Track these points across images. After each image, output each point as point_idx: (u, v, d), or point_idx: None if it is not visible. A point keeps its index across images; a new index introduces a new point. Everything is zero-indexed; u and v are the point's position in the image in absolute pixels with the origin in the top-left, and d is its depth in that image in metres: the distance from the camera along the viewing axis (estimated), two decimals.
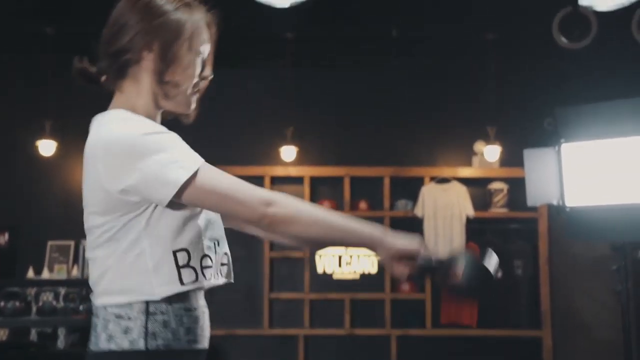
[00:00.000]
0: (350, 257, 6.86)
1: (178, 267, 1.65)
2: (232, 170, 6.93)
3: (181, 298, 1.67)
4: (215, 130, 6.80)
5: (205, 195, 1.64)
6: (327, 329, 6.75)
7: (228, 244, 1.79)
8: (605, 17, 4.74)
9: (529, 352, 6.72)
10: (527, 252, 6.84)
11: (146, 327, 1.63)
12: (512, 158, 6.72)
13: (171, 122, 1.82)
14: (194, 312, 1.69)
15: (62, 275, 6.76)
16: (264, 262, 6.81)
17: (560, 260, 6.78)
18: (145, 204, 1.65)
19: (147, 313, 1.64)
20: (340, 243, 1.80)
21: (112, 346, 1.64)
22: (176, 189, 1.61)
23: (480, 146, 6.74)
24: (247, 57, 6.88)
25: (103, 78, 1.79)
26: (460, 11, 5.73)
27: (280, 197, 1.69)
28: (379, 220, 6.84)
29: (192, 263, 1.67)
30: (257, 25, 6.06)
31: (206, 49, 1.78)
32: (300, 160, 6.83)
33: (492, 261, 1.78)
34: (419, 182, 6.82)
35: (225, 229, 1.82)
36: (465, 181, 6.78)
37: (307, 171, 6.87)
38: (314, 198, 6.92)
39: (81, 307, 6.31)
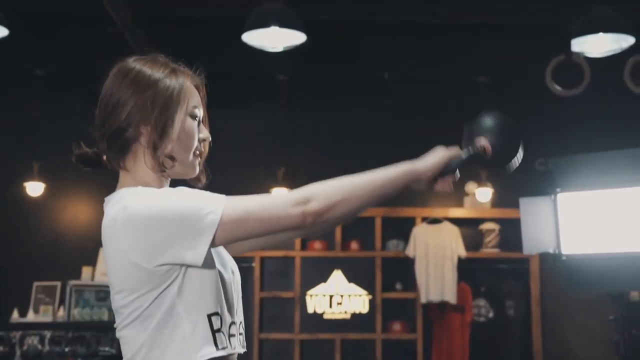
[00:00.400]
0: (341, 297, 6.83)
1: (213, 331, 1.61)
2: None
3: None
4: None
5: (241, 226, 1.60)
6: None
7: None
8: (598, 65, 4.77)
9: None
10: (519, 293, 6.85)
11: None
12: (503, 199, 6.75)
13: None
14: None
15: (48, 317, 6.66)
16: (254, 302, 6.76)
17: (552, 301, 6.78)
18: (177, 271, 1.60)
19: None
20: (382, 197, 1.73)
21: None
22: (211, 237, 1.57)
23: (471, 187, 6.76)
24: (240, 98, 6.89)
25: (104, 158, 1.75)
26: (452, 54, 5.77)
27: (308, 190, 1.64)
28: (371, 260, 6.83)
29: (223, 328, 1.64)
30: (250, 67, 6.06)
31: (200, 111, 1.75)
32: None
33: (504, 122, 1.77)
34: (410, 223, 6.82)
35: None
36: (456, 222, 6.79)
37: None
38: (305, 238, 6.90)
39: (67, 350, 6.22)
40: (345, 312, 6.83)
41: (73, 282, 6.69)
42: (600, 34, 4.53)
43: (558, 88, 4.79)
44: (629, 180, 4.19)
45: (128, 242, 1.59)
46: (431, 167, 1.75)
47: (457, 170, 1.76)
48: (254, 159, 7.00)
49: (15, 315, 6.53)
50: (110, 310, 6.65)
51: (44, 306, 6.75)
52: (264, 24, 4.44)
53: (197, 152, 1.75)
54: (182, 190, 1.64)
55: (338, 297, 6.84)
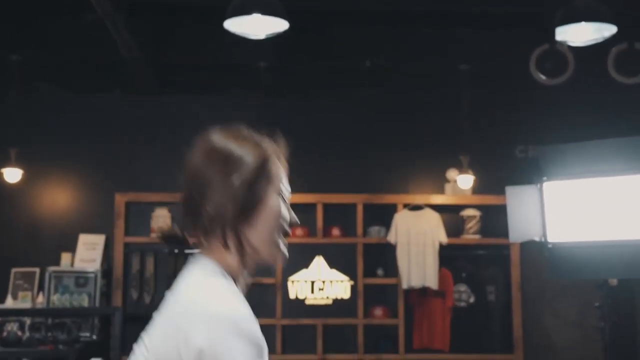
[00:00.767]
0: (323, 282, 6.84)
1: None
2: None
3: None
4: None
5: None
6: (299, 355, 6.73)
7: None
8: (582, 55, 4.79)
9: None
10: (500, 278, 6.92)
11: None
12: (485, 186, 6.79)
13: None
14: None
15: (27, 303, 6.61)
16: None
17: (532, 286, 6.85)
18: None
19: None
20: None
21: None
22: None
23: (453, 174, 6.78)
24: (222, 86, 6.84)
25: (190, 237, 1.68)
26: (435, 42, 5.75)
27: None
28: (352, 246, 6.84)
29: None
30: (232, 55, 6.00)
31: (288, 190, 1.70)
32: None
33: None
34: (392, 209, 6.84)
35: None
36: (438, 208, 6.82)
37: None
38: None
39: (47, 336, 6.18)
40: (327, 298, 6.84)
41: (52, 268, 6.64)
42: (583, 23, 4.55)
43: (542, 77, 4.80)
44: (614, 169, 4.24)
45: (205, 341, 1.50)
46: None
47: None
48: None
49: None
50: (90, 296, 6.61)
51: (22, 292, 6.69)
52: (246, 11, 4.39)
53: (284, 233, 1.69)
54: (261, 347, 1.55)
55: (320, 283, 6.85)
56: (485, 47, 5.78)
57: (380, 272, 6.88)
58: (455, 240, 6.80)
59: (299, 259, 6.84)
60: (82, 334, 6.45)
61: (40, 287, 6.69)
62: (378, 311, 6.79)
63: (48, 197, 6.93)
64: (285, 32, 4.56)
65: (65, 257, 6.69)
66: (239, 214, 1.62)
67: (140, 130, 6.96)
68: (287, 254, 1.71)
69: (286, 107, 7.04)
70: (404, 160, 7.02)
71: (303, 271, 6.86)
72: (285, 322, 6.78)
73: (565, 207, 4.49)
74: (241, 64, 6.30)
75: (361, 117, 7.08)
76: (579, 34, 4.67)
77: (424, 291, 6.72)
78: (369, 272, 6.87)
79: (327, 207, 6.91)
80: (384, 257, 6.88)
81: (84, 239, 6.79)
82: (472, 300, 6.85)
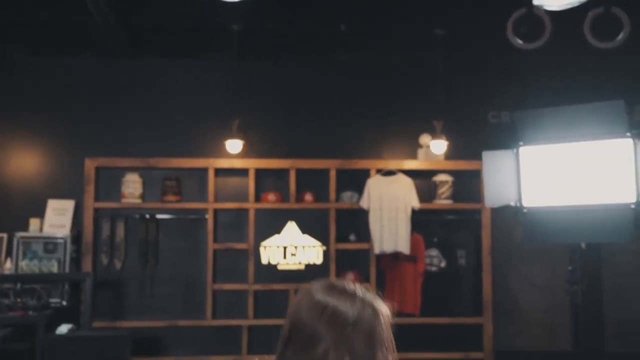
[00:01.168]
0: (295, 248, 6.84)
1: None
2: (177, 162, 6.73)
3: None
4: (160, 122, 6.64)
5: None
6: (271, 320, 6.72)
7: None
8: (559, 19, 4.80)
9: (470, 338, 6.88)
10: (471, 243, 6.99)
11: None
12: (457, 151, 6.83)
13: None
14: None
15: None
16: (208, 254, 6.72)
17: (502, 251, 6.94)
18: None
19: None
20: None
21: None
22: None
23: (425, 139, 6.80)
24: (194, 49, 6.74)
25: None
26: (410, 6, 5.72)
27: None
28: (325, 212, 6.85)
29: None
30: (204, 17, 5.90)
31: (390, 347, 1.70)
32: (245, 153, 6.76)
33: None
34: (364, 175, 6.85)
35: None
36: (410, 173, 6.84)
37: (252, 163, 6.80)
38: (259, 190, 6.87)
39: (17, 302, 6.11)
40: (300, 263, 6.85)
41: (20, 234, 6.55)
42: None
43: (519, 41, 4.80)
44: (590, 134, 4.28)
45: None
46: None
47: None
48: (208, 110, 6.90)
49: None
50: (59, 262, 6.54)
51: None
52: None
53: None
54: None
55: (292, 249, 6.86)
56: (461, 12, 5.76)
57: (352, 237, 6.91)
58: (427, 206, 6.84)
59: (272, 224, 6.84)
60: (52, 300, 6.39)
61: (9, 253, 6.59)
62: (350, 276, 6.82)
63: (16, 161, 6.81)
64: None
65: (34, 223, 6.60)
66: None
67: (110, 94, 6.84)
68: None
69: (260, 71, 6.99)
70: (377, 125, 7.02)
71: (275, 237, 6.86)
72: (258, 287, 6.78)
73: (541, 172, 4.53)
74: (214, 27, 6.20)
75: (335, 82, 7.06)
76: None
77: (396, 256, 6.77)
78: (342, 238, 6.89)
79: (299, 172, 6.89)
80: (356, 222, 6.90)
81: (53, 205, 6.69)
82: (443, 264, 6.92)
